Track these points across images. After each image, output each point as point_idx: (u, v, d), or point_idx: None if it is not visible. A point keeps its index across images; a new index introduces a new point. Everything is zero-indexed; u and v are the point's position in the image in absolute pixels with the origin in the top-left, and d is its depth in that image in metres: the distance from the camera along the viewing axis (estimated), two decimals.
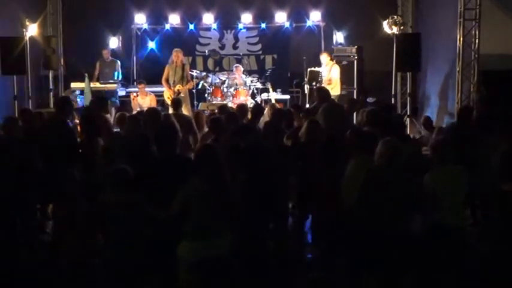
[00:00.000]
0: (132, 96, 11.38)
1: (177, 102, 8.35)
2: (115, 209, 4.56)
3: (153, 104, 10.99)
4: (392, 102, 11.06)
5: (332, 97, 10.98)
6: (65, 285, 4.89)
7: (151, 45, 13.24)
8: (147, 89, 11.42)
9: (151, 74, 12.37)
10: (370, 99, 11.61)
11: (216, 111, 8.20)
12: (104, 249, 4.73)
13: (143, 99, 11.19)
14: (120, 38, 13.23)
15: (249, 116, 7.40)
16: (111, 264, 4.66)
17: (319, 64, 11.55)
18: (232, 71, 12.02)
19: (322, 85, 10.85)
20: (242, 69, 11.80)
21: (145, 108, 10.33)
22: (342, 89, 11.33)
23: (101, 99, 8.16)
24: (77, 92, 11.54)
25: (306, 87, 11.52)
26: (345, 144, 5.33)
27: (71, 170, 5.11)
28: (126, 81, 12.56)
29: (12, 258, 5.43)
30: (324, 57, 11.45)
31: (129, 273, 4.58)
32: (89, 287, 4.83)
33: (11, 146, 5.81)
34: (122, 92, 12.06)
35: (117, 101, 11.61)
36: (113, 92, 11.53)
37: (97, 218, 4.68)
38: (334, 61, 11.51)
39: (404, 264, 4.60)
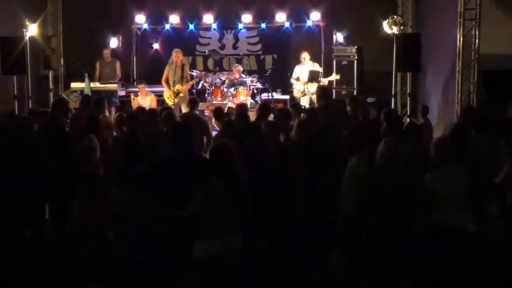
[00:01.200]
0: (132, 96, 11.36)
1: (193, 102, 8.38)
2: (127, 207, 4.57)
3: (154, 104, 10.99)
4: (393, 102, 11.08)
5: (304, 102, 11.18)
6: (75, 284, 4.90)
7: (156, 45, 13.17)
8: (148, 89, 11.43)
9: (152, 74, 12.38)
10: (370, 99, 11.62)
11: (212, 113, 8.25)
12: (115, 248, 4.73)
13: (143, 99, 11.18)
14: (120, 38, 13.23)
15: (256, 115, 7.43)
16: (121, 263, 4.66)
17: (319, 64, 11.61)
18: (232, 71, 12.03)
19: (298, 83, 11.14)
20: (241, 69, 11.79)
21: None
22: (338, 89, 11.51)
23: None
24: (77, 92, 11.55)
25: (306, 87, 11.52)
26: (344, 143, 5.40)
27: (89, 169, 5.13)
28: (126, 81, 12.55)
29: (23, 257, 5.44)
30: (307, 56, 11.49)
31: (141, 272, 4.59)
32: (99, 285, 4.84)
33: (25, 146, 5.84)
34: (121, 92, 12.06)
35: (118, 100, 11.61)
36: (113, 92, 11.54)
37: (109, 216, 4.69)
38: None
39: (405, 264, 4.61)
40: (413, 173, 4.95)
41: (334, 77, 11.62)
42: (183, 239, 4.61)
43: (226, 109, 10.26)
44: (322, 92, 7.89)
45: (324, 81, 11.21)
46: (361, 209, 4.77)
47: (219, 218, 4.42)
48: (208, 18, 13.08)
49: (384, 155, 4.74)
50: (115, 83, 11.69)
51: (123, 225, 4.62)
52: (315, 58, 11.96)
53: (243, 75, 11.68)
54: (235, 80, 11.47)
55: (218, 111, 7.84)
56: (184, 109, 9.71)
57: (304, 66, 11.43)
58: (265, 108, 7.57)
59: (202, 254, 4.44)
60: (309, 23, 13.02)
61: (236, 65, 12.11)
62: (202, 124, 7.77)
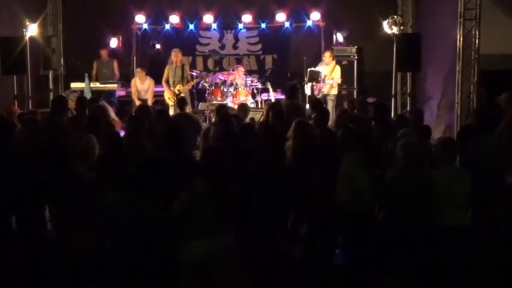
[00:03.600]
0: (132, 82, 11.45)
1: (182, 102, 8.41)
2: (116, 208, 4.57)
3: (152, 88, 11.20)
4: (393, 102, 11.08)
5: (331, 97, 11.23)
6: (67, 284, 4.90)
7: (158, 46, 13.14)
8: None
9: (152, 74, 12.38)
10: (370, 99, 11.63)
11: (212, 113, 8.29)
12: (104, 249, 4.73)
13: (142, 83, 11.23)
14: (120, 38, 13.23)
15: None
16: (111, 264, 4.66)
17: (318, 63, 11.63)
18: (233, 70, 12.02)
19: (325, 82, 11.16)
20: (243, 69, 11.78)
21: (145, 95, 10.78)
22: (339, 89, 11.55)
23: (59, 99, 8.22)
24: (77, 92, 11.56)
25: (306, 87, 11.53)
26: (339, 142, 5.59)
27: (75, 170, 5.12)
28: (126, 81, 12.55)
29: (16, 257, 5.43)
30: (327, 56, 11.51)
31: (129, 273, 4.58)
32: (90, 286, 4.84)
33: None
34: (121, 92, 12.08)
35: (115, 100, 11.61)
36: (112, 92, 11.57)
37: (98, 217, 4.68)
38: (335, 61, 11.59)
39: (408, 265, 4.65)
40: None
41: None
42: (170, 240, 4.61)
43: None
44: (288, 90, 8.39)
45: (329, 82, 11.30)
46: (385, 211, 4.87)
47: (204, 218, 4.43)
48: (208, 18, 13.07)
49: (403, 157, 4.84)
50: (115, 83, 11.72)
51: (112, 225, 4.61)
52: (314, 58, 11.97)
53: (244, 76, 11.65)
54: (236, 80, 11.46)
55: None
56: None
57: (327, 66, 11.45)
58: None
59: (189, 254, 4.45)
60: (309, 23, 13.02)
61: (238, 65, 12.09)
62: (194, 123, 7.81)
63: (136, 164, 5.08)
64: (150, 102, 11.12)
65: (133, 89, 11.38)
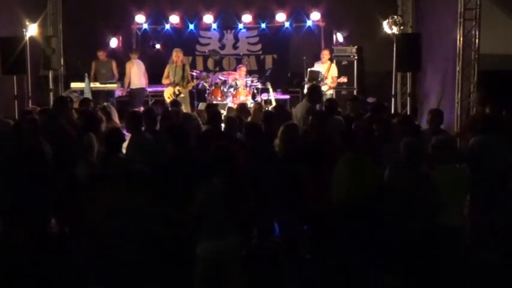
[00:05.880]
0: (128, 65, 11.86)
1: (174, 104, 8.44)
2: (127, 208, 4.57)
3: (142, 70, 11.71)
4: (393, 102, 11.08)
5: (327, 96, 11.27)
6: (76, 284, 4.91)
7: (158, 46, 13.16)
8: (148, 89, 11.50)
9: (152, 74, 12.40)
10: (370, 99, 11.63)
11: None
12: (114, 248, 4.73)
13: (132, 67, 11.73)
14: (120, 38, 13.24)
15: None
16: (120, 264, 4.67)
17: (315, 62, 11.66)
18: (234, 70, 12.02)
19: (325, 82, 11.18)
20: (245, 69, 11.77)
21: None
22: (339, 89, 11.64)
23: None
24: (77, 92, 11.58)
25: (306, 87, 11.53)
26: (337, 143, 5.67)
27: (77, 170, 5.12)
28: None
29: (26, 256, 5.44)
30: (326, 54, 11.55)
31: (139, 273, 4.59)
32: (100, 285, 4.84)
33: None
34: (121, 92, 12.09)
35: (114, 101, 11.62)
36: (111, 92, 11.60)
37: (109, 216, 4.69)
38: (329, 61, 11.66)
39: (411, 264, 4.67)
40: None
41: (342, 79, 11.62)
42: (184, 239, 4.62)
43: (226, 109, 10.29)
44: (308, 92, 8.26)
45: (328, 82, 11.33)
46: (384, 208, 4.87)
47: (219, 218, 4.44)
48: (208, 18, 13.10)
49: (403, 156, 4.85)
50: (114, 83, 11.74)
51: (124, 225, 4.62)
52: (314, 58, 11.97)
53: (244, 76, 11.65)
54: (236, 80, 11.46)
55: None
56: (185, 110, 9.73)
57: (323, 65, 11.48)
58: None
59: (201, 253, 4.47)
60: (309, 23, 13.04)
61: (240, 65, 12.09)
62: (193, 122, 7.82)
63: (149, 164, 5.08)
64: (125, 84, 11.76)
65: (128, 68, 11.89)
